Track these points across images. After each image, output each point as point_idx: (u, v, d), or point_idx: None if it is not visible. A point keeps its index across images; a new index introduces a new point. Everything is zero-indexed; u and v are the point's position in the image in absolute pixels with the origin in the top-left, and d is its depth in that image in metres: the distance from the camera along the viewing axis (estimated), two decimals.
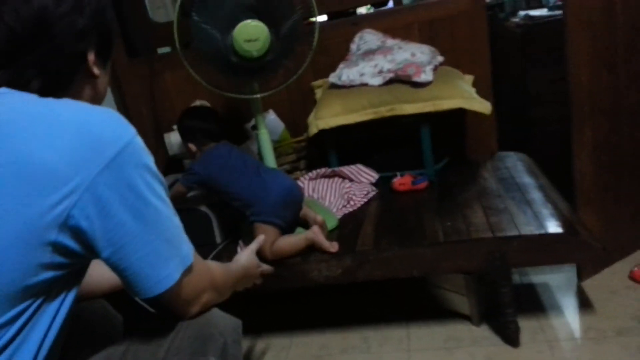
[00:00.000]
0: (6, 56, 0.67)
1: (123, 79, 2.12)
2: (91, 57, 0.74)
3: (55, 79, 0.70)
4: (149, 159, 0.68)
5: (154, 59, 2.08)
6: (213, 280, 0.80)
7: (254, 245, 1.15)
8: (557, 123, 1.59)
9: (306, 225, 1.50)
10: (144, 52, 2.13)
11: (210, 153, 1.55)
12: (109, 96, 2.12)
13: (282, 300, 1.80)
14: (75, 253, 0.63)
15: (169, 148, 2.00)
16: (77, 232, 0.62)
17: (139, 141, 0.67)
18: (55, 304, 0.65)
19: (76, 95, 0.73)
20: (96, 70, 0.75)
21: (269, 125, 1.96)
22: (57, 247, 0.61)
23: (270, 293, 1.75)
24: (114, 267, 0.67)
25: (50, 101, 0.66)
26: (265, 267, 1.18)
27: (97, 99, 0.78)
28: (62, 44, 0.70)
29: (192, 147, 1.59)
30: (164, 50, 2.21)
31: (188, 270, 0.72)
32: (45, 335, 0.64)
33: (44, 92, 0.68)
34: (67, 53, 0.71)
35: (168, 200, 0.70)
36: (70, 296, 0.67)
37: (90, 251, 0.65)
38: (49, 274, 0.62)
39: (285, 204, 1.46)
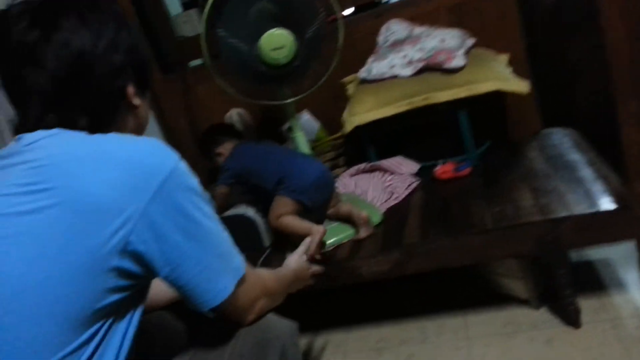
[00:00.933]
0: (53, 100, 0.71)
1: (159, 95, 2.18)
2: (130, 90, 0.77)
3: (100, 116, 0.74)
4: (194, 182, 0.72)
5: (187, 73, 2.13)
6: (265, 287, 0.84)
7: (302, 248, 1.17)
8: (602, 92, 1.53)
9: (349, 222, 1.51)
10: (176, 67, 2.18)
11: (238, 148, 1.64)
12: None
13: (336, 295, 1.82)
14: (136, 275, 0.68)
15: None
16: (137, 256, 0.66)
17: (183, 166, 0.71)
18: (124, 323, 0.69)
19: (121, 127, 0.77)
20: (136, 101, 0.79)
21: (304, 126, 1.97)
22: (120, 271, 0.66)
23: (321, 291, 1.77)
24: (173, 284, 0.72)
25: (97, 138, 0.70)
26: (316, 268, 1.21)
27: (140, 127, 0.82)
28: (102, 82, 0.74)
29: (220, 149, 1.67)
30: (195, 62, 2.25)
31: (241, 281, 0.76)
32: (119, 351, 0.68)
33: (91, 129, 0.72)
34: (108, 90, 0.75)
35: (215, 217, 0.74)
36: (137, 313, 0.72)
37: (149, 272, 0.69)
38: (115, 297, 0.66)
39: (318, 186, 1.50)
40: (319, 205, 1.52)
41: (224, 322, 0.81)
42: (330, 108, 2.03)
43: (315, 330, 1.68)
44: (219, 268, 0.73)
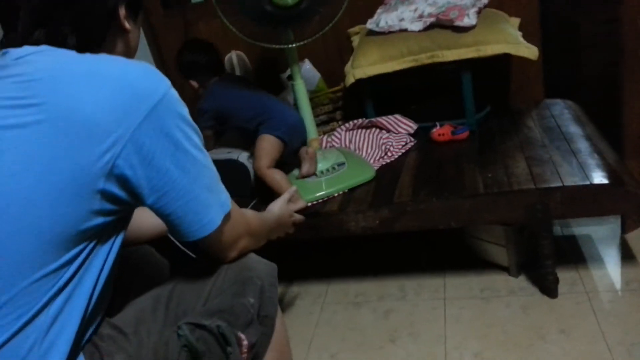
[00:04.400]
0: (42, 15, 0.70)
1: (158, 30, 2.12)
2: (122, 11, 0.76)
3: (90, 35, 0.73)
4: (185, 110, 0.71)
5: (188, 9, 2.05)
6: (249, 227, 0.84)
7: (286, 196, 1.17)
8: (609, 67, 1.51)
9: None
10: (177, 2, 2.11)
11: (214, 86, 1.61)
12: (145, 48, 2.12)
13: (319, 247, 1.83)
14: (122, 200, 0.67)
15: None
16: (123, 180, 0.66)
17: (174, 93, 0.70)
18: (106, 247, 0.69)
19: (110, 50, 0.76)
20: (127, 25, 0.78)
21: (305, 75, 1.93)
22: (106, 195, 0.65)
23: (307, 242, 1.79)
24: (159, 213, 0.72)
25: (89, 57, 0.69)
26: (298, 217, 1.21)
27: (129, 53, 0.81)
28: (94, 1, 0.73)
29: (195, 84, 1.64)
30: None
31: (227, 217, 0.76)
32: (99, 275, 0.69)
33: (80, 48, 0.71)
34: (100, 8, 0.73)
35: (204, 150, 0.74)
36: (119, 240, 0.72)
37: (135, 198, 0.69)
38: (99, 220, 0.66)
39: (296, 130, 1.54)
40: (294, 149, 1.55)
41: (206, 258, 0.81)
42: (333, 59, 1.98)
43: (295, 279, 1.71)
44: (207, 200, 0.73)
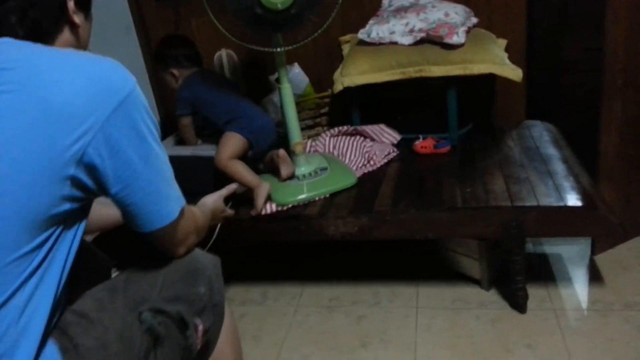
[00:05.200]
0: None
1: (149, 23, 2.11)
2: (71, 5, 0.77)
3: (38, 27, 0.73)
4: (147, 105, 0.75)
5: (180, 4, 2.05)
6: (196, 223, 0.89)
7: (223, 191, 1.22)
8: (588, 94, 1.56)
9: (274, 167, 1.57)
10: None
11: (193, 76, 1.66)
12: (134, 39, 2.11)
13: (296, 249, 1.85)
14: (88, 188, 0.70)
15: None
16: (91, 169, 0.68)
17: (139, 90, 0.74)
18: (71, 233, 0.72)
19: (60, 45, 0.77)
20: (77, 19, 0.78)
21: (293, 79, 1.94)
22: (75, 182, 0.67)
23: (285, 243, 1.80)
24: (120, 202, 0.74)
25: (58, 50, 0.71)
26: (228, 212, 1.25)
27: (79, 48, 0.81)
28: None
29: (176, 72, 1.67)
30: None
31: (182, 212, 0.81)
32: (66, 260, 0.71)
33: (29, 40, 0.71)
34: (47, 1, 0.74)
35: (162, 145, 0.78)
36: (82, 227, 0.75)
37: (100, 187, 0.71)
38: (67, 206, 0.68)
39: (266, 133, 1.58)
40: (261, 151, 1.58)
41: (152, 253, 0.85)
42: (322, 65, 2.00)
43: (272, 280, 1.72)
44: (166, 193, 0.77)
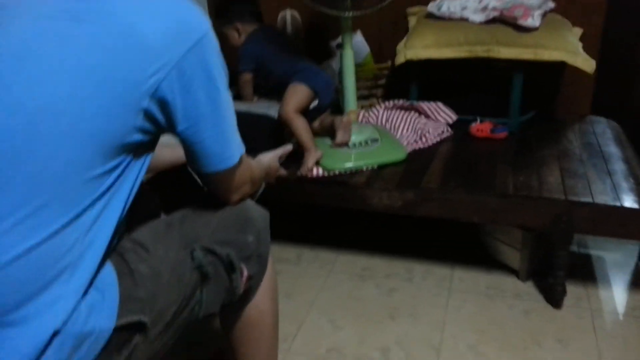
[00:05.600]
0: None
1: None
2: None
3: None
4: (219, 51, 0.75)
5: None
6: (252, 174, 0.90)
7: (279, 151, 1.22)
8: None
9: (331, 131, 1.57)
10: None
11: (257, 32, 1.66)
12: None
13: (335, 215, 1.86)
14: (158, 122, 0.72)
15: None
16: (163, 104, 0.70)
17: (214, 33, 0.74)
18: (138, 164, 0.74)
19: None
20: None
21: (354, 47, 1.91)
22: (147, 115, 0.69)
23: (325, 208, 1.82)
24: (186, 140, 0.76)
25: None
26: (283, 172, 1.27)
27: None
28: None
29: (240, 27, 1.67)
30: None
31: (241, 159, 0.81)
32: (131, 189, 0.73)
33: None
34: None
35: (229, 91, 0.79)
36: (147, 160, 0.77)
37: (169, 123, 0.73)
38: (138, 137, 0.70)
39: (328, 87, 1.57)
40: (322, 105, 1.57)
41: (203, 199, 0.87)
42: (385, 35, 1.97)
43: (309, 243, 1.74)
44: (230, 137, 0.79)
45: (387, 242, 1.73)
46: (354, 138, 1.58)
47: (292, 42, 1.77)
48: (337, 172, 1.50)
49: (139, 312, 0.70)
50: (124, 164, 0.70)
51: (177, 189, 1.21)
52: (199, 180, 0.97)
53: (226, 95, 0.77)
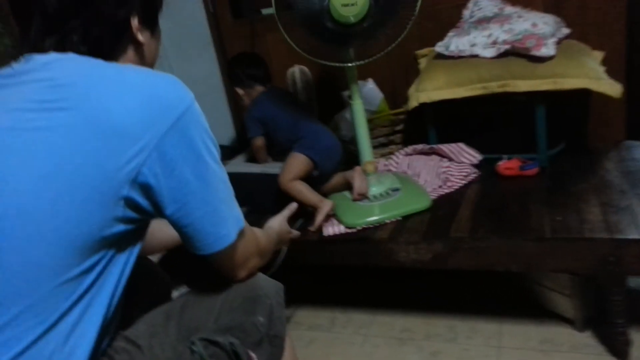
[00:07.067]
0: (54, 22, 0.69)
1: (226, 38, 2.14)
2: (134, 23, 0.75)
3: (100, 45, 0.72)
4: (206, 123, 0.72)
5: (257, 20, 2.07)
6: (259, 246, 0.85)
7: (286, 212, 1.19)
8: None
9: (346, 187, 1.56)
10: (248, 12, 2.13)
11: (261, 96, 1.68)
12: (212, 54, 2.15)
13: (366, 274, 1.76)
14: (143, 209, 0.67)
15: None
16: (146, 189, 0.66)
17: (198, 106, 0.70)
18: (124, 256, 0.69)
19: (123, 62, 0.75)
20: (141, 37, 0.76)
21: (367, 95, 1.88)
22: (129, 202, 0.65)
23: (354, 267, 1.73)
24: (177, 224, 0.71)
25: (117, 65, 0.70)
26: (295, 233, 1.23)
27: (145, 66, 0.79)
28: (103, 9, 0.71)
29: (241, 91, 1.72)
30: (268, 11, 2.19)
31: (241, 234, 0.77)
32: (117, 284, 0.68)
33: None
34: (109, 18, 0.72)
35: (221, 164, 0.74)
36: (136, 250, 0.72)
37: (156, 208, 0.69)
38: (121, 227, 0.66)
39: (331, 153, 1.56)
40: (326, 172, 1.55)
41: (215, 276, 0.82)
42: (398, 80, 1.93)
43: (340, 305, 1.64)
44: (224, 214, 0.74)
45: (426, 298, 1.61)
46: (374, 190, 1.51)
47: (299, 101, 1.77)
48: (359, 228, 1.42)
49: None
50: (105, 259, 0.66)
51: (189, 267, 1.16)
52: None
53: (216, 169, 0.72)
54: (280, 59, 2.02)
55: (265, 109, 1.65)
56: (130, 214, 0.66)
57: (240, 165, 1.76)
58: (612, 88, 1.38)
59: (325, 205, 1.46)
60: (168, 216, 0.70)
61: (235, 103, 2.17)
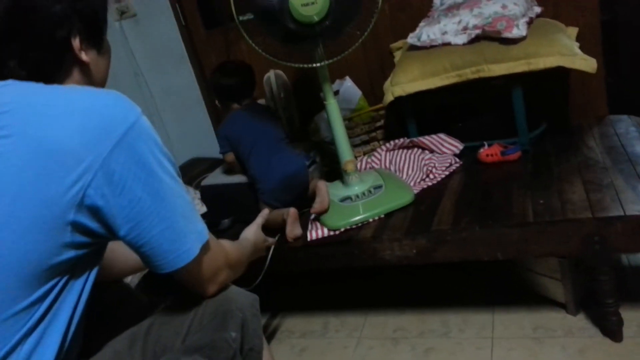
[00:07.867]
0: None
1: (200, 49, 2.13)
2: (76, 43, 0.72)
3: (40, 68, 0.70)
4: (157, 137, 0.69)
5: (229, 29, 2.05)
6: (227, 258, 0.82)
7: (259, 220, 1.18)
8: None
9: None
10: (222, 21, 2.11)
11: (233, 115, 1.65)
12: (188, 67, 2.14)
13: (357, 275, 1.73)
14: (94, 232, 0.65)
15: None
16: (94, 211, 0.63)
17: (146, 120, 0.68)
18: (79, 283, 0.67)
19: (67, 83, 0.73)
20: (85, 57, 0.73)
21: (345, 93, 1.85)
22: (77, 227, 0.63)
23: (341, 270, 1.70)
24: (133, 244, 0.68)
25: (56, 87, 0.67)
26: (271, 240, 1.22)
27: (93, 85, 0.76)
28: (40, 32, 0.69)
29: (218, 104, 1.73)
30: (245, 17, 2.17)
31: (205, 247, 0.74)
32: (73, 313, 0.66)
33: (33, 81, 0.68)
34: (47, 41, 0.69)
35: (178, 178, 0.71)
36: (92, 275, 0.69)
37: (108, 229, 0.66)
38: (71, 253, 0.63)
39: (285, 188, 1.52)
40: (289, 202, 1.51)
41: (186, 293, 0.79)
42: (375, 76, 1.91)
43: (333, 309, 1.61)
44: (183, 229, 0.70)
45: (417, 294, 1.58)
46: (357, 189, 1.48)
47: (275, 117, 1.74)
48: (342, 229, 1.39)
49: None
50: (58, 287, 0.63)
51: (170, 287, 1.14)
52: None
53: (172, 183, 0.69)
54: (257, 65, 2.00)
55: (233, 130, 1.62)
56: (80, 238, 0.64)
57: (219, 176, 1.74)
58: (587, 63, 1.35)
59: (289, 216, 1.43)
60: (122, 237, 0.67)
61: (217, 114, 2.15)
